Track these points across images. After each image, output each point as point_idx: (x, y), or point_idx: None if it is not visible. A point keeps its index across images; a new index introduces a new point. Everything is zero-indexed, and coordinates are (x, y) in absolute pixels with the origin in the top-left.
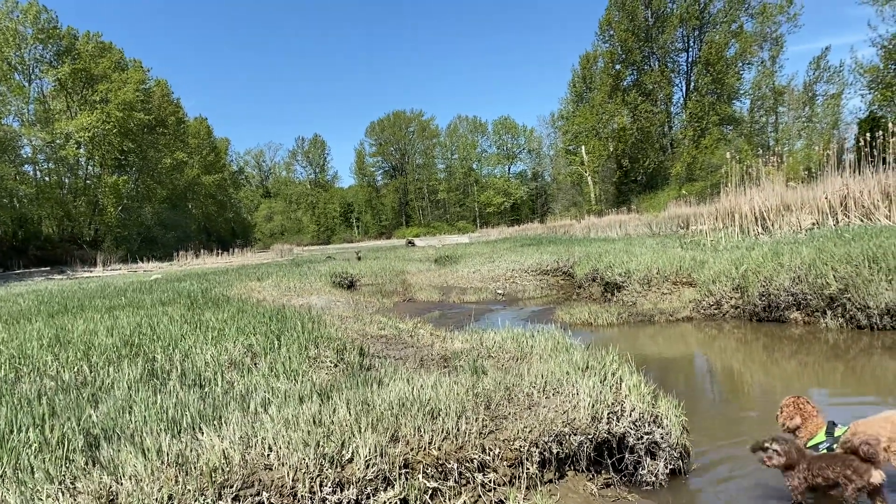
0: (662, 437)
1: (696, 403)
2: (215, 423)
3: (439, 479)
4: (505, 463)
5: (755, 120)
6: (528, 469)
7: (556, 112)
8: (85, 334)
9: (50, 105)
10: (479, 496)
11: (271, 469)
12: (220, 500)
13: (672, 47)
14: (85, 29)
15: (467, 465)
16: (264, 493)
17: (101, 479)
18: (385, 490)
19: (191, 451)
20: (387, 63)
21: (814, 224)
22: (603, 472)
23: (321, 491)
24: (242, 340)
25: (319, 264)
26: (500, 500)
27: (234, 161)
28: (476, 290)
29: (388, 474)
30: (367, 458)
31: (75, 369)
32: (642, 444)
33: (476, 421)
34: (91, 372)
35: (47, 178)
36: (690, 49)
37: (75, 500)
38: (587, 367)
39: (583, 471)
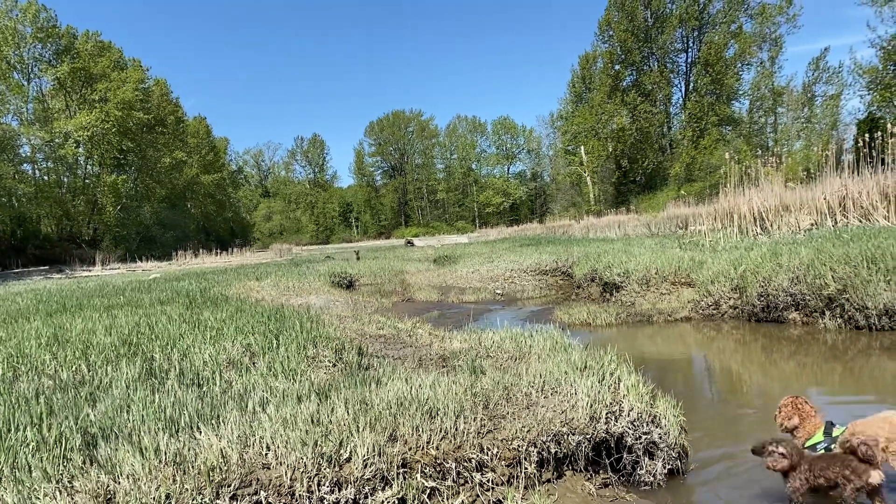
0: (660, 437)
1: (695, 403)
2: (213, 422)
3: (437, 478)
4: (503, 462)
5: (754, 120)
6: (526, 469)
7: (556, 112)
8: (83, 333)
9: (49, 104)
10: (478, 496)
11: (269, 468)
12: (218, 499)
13: (671, 48)
14: (84, 28)
15: (465, 464)
16: (262, 492)
17: (98, 478)
18: (383, 489)
19: (188, 450)
20: (387, 63)
21: (812, 225)
22: (601, 471)
23: (319, 490)
24: (241, 340)
25: (318, 264)
26: (499, 500)
27: (233, 161)
28: (475, 290)
29: (386, 474)
30: (366, 457)
31: (73, 368)
32: (640, 443)
33: (474, 420)
34: (89, 371)
35: (46, 178)
36: (690, 49)
37: (73, 498)
38: (585, 367)
39: (581, 470)
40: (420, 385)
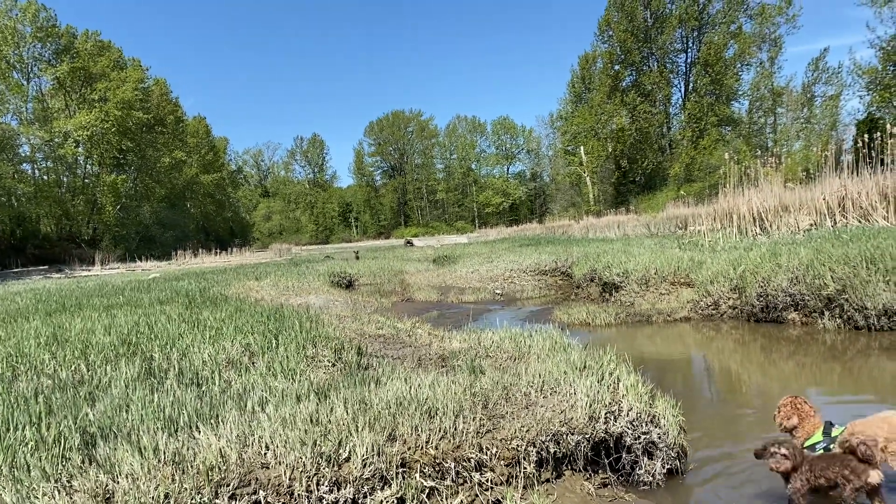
0: (659, 437)
1: (694, 403)
2: (212, 421)
3: (436, 478)
4: (502, 462)
5: (754, 121)
6: (525, 468)
7: (555, 112)
8: (82, 333)
9: (48, 104)
10: (477, 495)
11: (268, 468)
12: (217, 498)
13: (671, 48)
14: (84, 27)
15: (464, 464)
16: (261, 491)
17: (97, 477)
18: (382, 489)
19: (187, 449)
20: (387, 63)
21: (812, 225)
22: (600, 471)
23: (318, 490)
24: (240, 339)
25: (318, 264)
26: (497, 500)
27: (233, 160)
28: (474, 290)
29: (385, 473)
30: (365, 457)
31: (72, 368)
32: (639, 443)
33: (473, 420)
34: (88, 370)
35: (46, 177)
36: (689, 50)
37: (71, 498)
38: (585, 367)
39: (580, 470)
40: (419, 385)
